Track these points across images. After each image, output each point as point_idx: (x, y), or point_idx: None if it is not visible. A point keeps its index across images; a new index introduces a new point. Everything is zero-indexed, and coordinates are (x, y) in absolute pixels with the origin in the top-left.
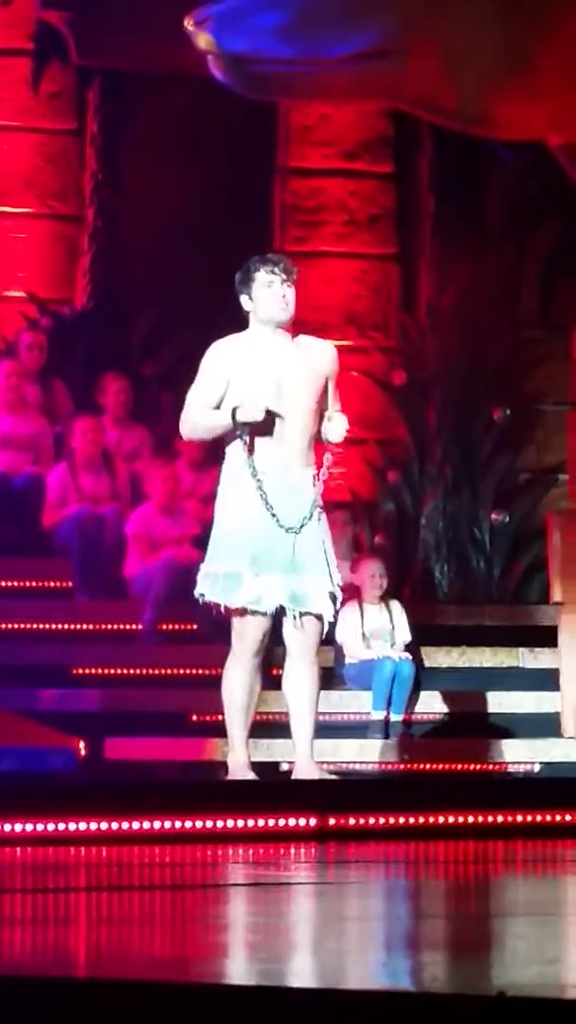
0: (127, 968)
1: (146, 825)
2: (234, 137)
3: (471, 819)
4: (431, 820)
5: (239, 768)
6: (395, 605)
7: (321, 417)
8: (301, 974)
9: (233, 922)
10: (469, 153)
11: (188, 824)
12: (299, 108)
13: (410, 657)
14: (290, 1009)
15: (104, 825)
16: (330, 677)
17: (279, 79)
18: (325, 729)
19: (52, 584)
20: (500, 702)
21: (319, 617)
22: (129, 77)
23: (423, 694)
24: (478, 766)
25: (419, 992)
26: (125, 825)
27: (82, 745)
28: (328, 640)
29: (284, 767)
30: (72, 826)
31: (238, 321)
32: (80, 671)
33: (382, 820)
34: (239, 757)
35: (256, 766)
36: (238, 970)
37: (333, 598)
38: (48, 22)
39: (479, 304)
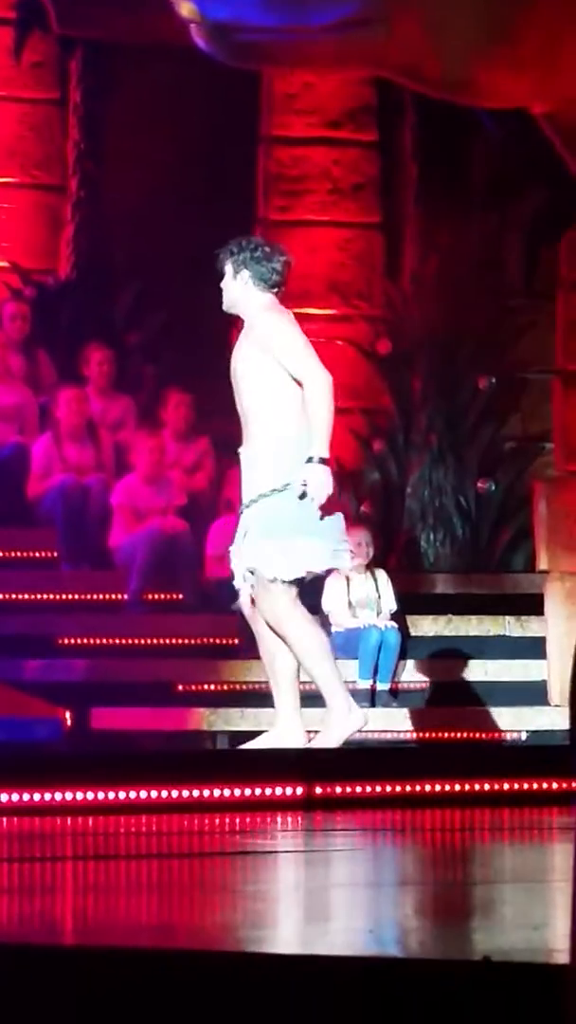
0: (113, 936)
1: (132, 795)
2: (217, 106)
3: (457, 787)
4: (417, 788)
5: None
6: (381, 574)
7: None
8: (287, 941)
9: (219, 890)
10: (452, 121)
11: (174, 794)
12: (282, 77)
13: (396, 626)
14: (276, 975)
15: (90, 795)
16: None
17: (262, 47)
18: (311, 698)
19: (37, 554)
20: (486, 670)
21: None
22: (112, 47)
23: (409, 663)
24: (464, 734)
25: (405, 958)
26: (111, 795)
27: (68, 715)
28: (314, 609)
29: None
30: (58, 796)
31: (219, 290)
32: (65, 641)
33: (368, 789)
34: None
35: (242, 736)
36: (224, 937)
37: (251, 573)
38: None
39: (463, 272)
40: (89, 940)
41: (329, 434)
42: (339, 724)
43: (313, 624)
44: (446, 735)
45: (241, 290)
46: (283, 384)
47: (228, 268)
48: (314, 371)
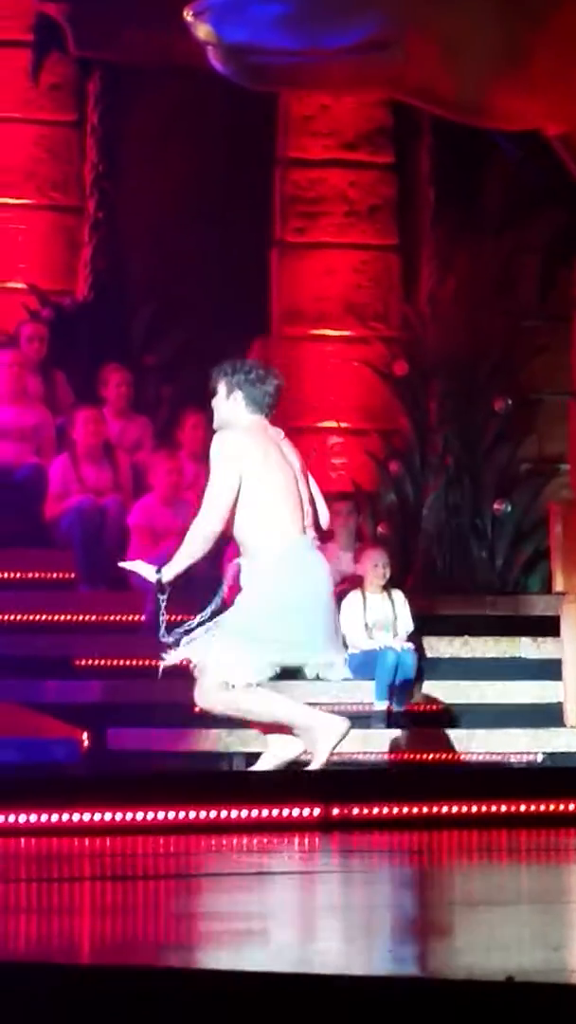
0: (131, 955)
1: (150, 816)
2: (234, 128)
3: (474, 809)
4: (434, 810)
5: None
6: (397, 595)
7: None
8: (305, 961)
9: (237, 910)
10: (469, 143)
11: (192, 815)
12: (299, 99)
13: (412, 647)
14: (295, 995)
15: (107, 816)
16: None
17: (279, 70)
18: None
19: (54, 575)
20: (502, 692)
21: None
22: (129, 69)
23: (425, 684)
24: (481, 756)
25: (427, 978)
26: (128, 816)
27: (85, 736)
28: None
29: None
30: (76, 817)
31: (239, 312)
32: (83, 662)
33: (385, 810)
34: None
35: (257, 757)
36: (242, 957)
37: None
38: (47, 14)
39: (479, 294)
40: (106, 959)
41: (182, 567)
42: (323, 739)
43: (229, 689)
44: (462, 757)
45: (232, 410)
46: (245, 500)
47: (221, 388)
48: (208, 514)
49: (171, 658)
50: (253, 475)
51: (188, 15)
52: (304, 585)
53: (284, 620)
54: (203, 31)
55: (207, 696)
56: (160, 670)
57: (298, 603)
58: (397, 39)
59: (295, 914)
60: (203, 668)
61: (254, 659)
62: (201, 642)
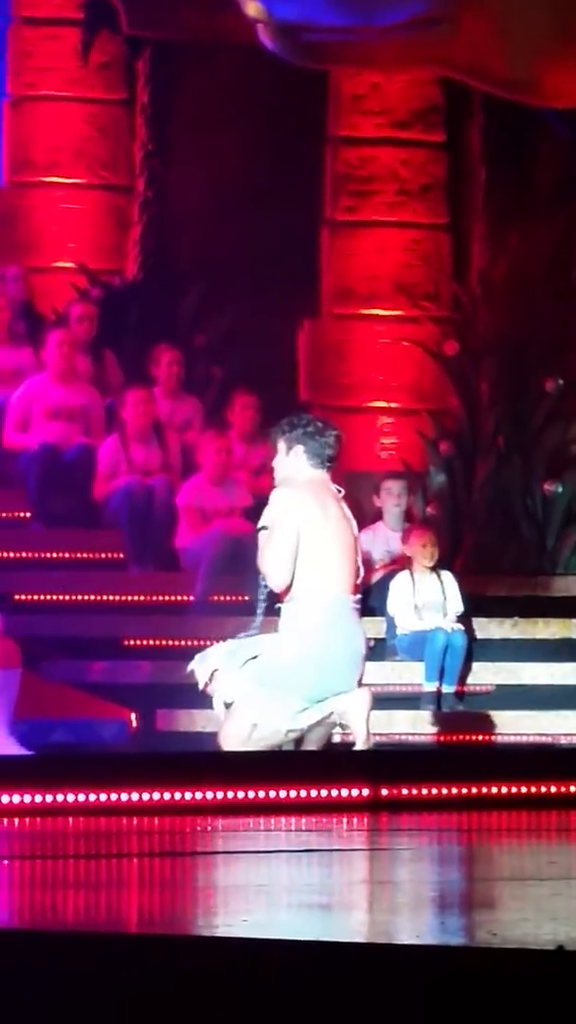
0: (176, 926)
1: (198, 795)
2: (284, 106)
3: (523, 789)
4: (484, 791)
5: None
6: (447, 576)
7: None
8: (357, 932)
9: (284, 884)
10: (520, 122)
11: (240, 794)
12: (350, 77)
13: (462, 628)
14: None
15: (156, 795)
16: (381, 648)
17: (329, 47)
18: (377, 700)
19: (104, 556)
20: (552, 673)
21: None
22: (179, 47)
23: (475, 665)
24: (530, 737)
25: (480, 947)
26: (177, 795)
27: (134, 717)
28: (379, 611)
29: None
30: (124, 796)
31: (288, 292)
32: (132, 643)
33: (434, 791)
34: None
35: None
36: (291, 928)
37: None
38: None
39: (531, 273)
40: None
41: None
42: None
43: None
44: (512, 738)
45: (294, 466)
46: (300, 552)
47: (281, 445)
48: (274, 577)
49: (198, 672)
50: (311, 531)
51: None
52: (342, 648)
53: (317, 679)
54: (253, 9)
55: (229, 741)
56: (188, 669)
57: (334, 665)
58: (448, 16)
59: (345, 888)
60: (231, 712)
61: (279, 708)
62: (233, 683)
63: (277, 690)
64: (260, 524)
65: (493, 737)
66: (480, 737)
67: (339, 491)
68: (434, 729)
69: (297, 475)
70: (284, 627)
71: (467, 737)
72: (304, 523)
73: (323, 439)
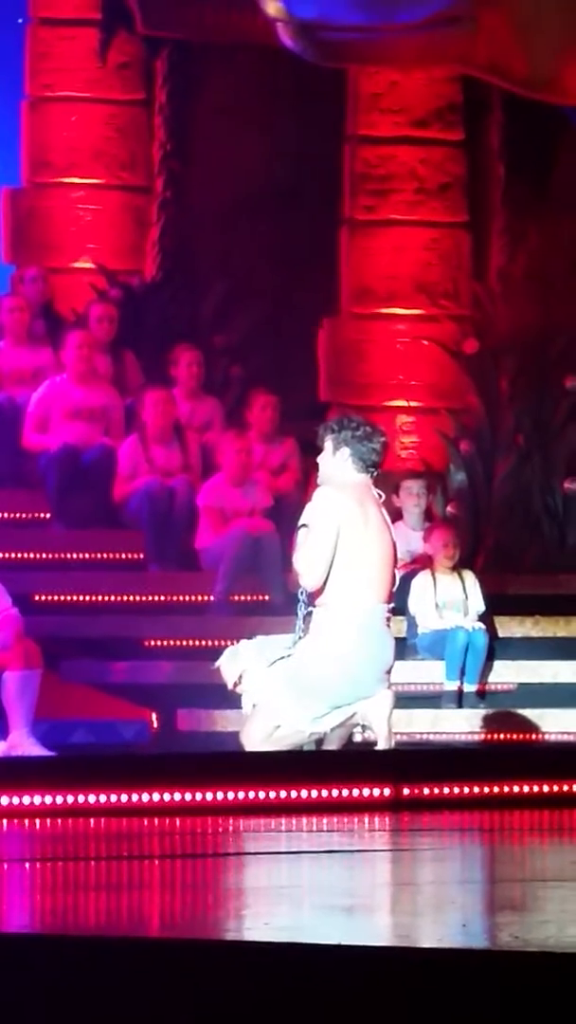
0: (197, 929)
1: (219, 796)
2: (303, 105)
3: (546, 788)
4: (505, 790)
5: None
6: (468, 575)
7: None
8: (379, 935)
9: (304, 886)
10: (540, 120)
11: (261, 795)
12: (368, 75)
13: (483, 627)
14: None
15: (177, 796)
16: (402, 647)
17: (349, 46)
18: (399, 699)
19: (124, 556)
20: (574, 671)
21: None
22: (197, 46)
23: (496, 664)
24: (552, 735)
25: (504, 950)
26: (198, 796)
27: (154, 717)
28: (400, 611)
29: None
30: (145, 797)
31: (307, 291)
32: (152, 643)
33: (456, 790)
34: None
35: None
36: (310, 930)
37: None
38: None
39: (550, 271)
40: (174, 934)
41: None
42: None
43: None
44: (533, 736)
45: (338, 467)
46: (337, 556)
47: (328, 444)
48: (309, 575)
49: (225, 670)
50: (350, 534)
51: None
52: (374, 657)
53: (345, 686)
54: (273, 7)
55: (251, 740)
56: (215, 665)
57: (364, 674)
58: (468, 14)
59: (367, 890)
60: (256, 711)
61: (304, 711)
62: (261, 683)
63: (304, 694)
64: (300, 522)
65: (515, 736)
66: (502, 736)
67: (380, 496)
68: (456, 728)
69: (340, 476)
70: (316, 631)
71: (489, 736)
72: (344, 525)
73: (370, 444)
